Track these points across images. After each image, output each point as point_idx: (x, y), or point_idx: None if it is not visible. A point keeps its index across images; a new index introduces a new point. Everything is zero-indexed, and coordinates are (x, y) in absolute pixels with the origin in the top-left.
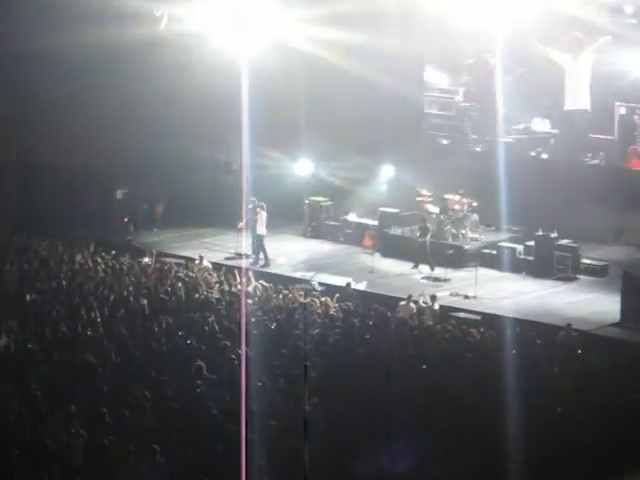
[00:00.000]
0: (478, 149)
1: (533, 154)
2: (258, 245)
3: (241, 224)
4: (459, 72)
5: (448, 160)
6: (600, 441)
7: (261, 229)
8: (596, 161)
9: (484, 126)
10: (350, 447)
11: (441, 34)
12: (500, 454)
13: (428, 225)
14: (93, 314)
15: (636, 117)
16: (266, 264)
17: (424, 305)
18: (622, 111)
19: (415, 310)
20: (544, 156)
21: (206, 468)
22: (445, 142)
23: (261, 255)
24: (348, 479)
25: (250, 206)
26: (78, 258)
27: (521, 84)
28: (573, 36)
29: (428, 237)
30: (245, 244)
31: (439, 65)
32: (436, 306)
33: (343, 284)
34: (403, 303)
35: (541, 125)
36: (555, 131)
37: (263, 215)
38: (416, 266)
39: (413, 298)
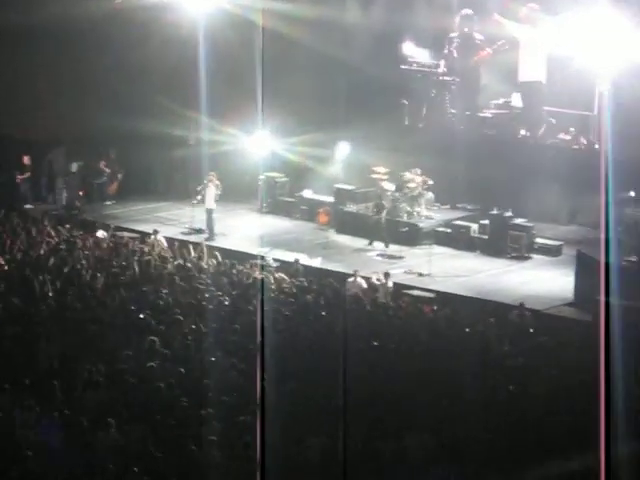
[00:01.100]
0: (451, 124)
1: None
2: (210, 219)
3: (196, 199)
4: (439, 46)
5: (407, 137)
6: (551, 419)
7: (210, 203)
8: (568, 137)
9: (462, 100)
10: (304, 423)
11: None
12: (452, 430)
13: (383, 202)
14: (46, 287)
15: None
16: (210, 238)
17: (377, 282)
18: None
19: (365, 285)
20: (522, 132)
21: (158, 442)
22: (424, 112)
23: (208, 228)
24: (302, 455)
25: (205, 181)
26: (32, 231)
27: (502, 57)
28: (530, 8)
29: (383, 214)
30: (198, 219)
31: (416, 39)
32: (390, 283)
33: (293, 259)
34: (351, 280)
35: (520, 100)
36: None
37: (212, 188)
38: (371, 243)
39: (359, 273)
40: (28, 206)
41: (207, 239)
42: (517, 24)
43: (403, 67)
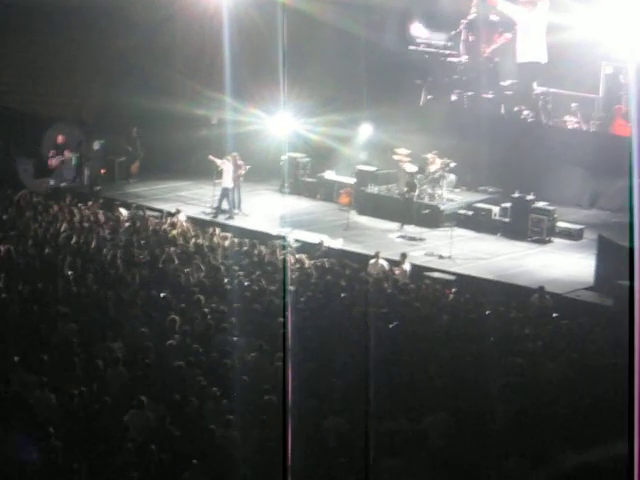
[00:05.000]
0: (462, 105)
1: (516, 110)
2: (222, 197)
3: (218, 178)
4: (451, 27)
5: (428, 118)
6: (570, 403)
7: (226, 181)
8: (574, 118)
9: (471, 82)
10: (325, 403)
11: None
12: (470, 412)
13: (415, 181)
14: (66, 266)
15: (621, 77)
16: (217, 214)
17: (399, 265)
18: (608, 70)
19: (387, 267)
20: (525, 112)
21: (177, 421)
22: (429, 97)
23: (225, 206)
24: (324, 434)
25: (230, 159)
26: (54, 209)
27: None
28: None
29: (416, 194)
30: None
31: (427, 20)
32: (407, 265)
33: (318, 241)
34: (372, 261)
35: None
36: (543, 88)
37: (228, 167)
38: (402, 226)
39: (381, 255)
40: (52, 183)
41: (224, 217)
42: (514, 5)
43: (411, 47)
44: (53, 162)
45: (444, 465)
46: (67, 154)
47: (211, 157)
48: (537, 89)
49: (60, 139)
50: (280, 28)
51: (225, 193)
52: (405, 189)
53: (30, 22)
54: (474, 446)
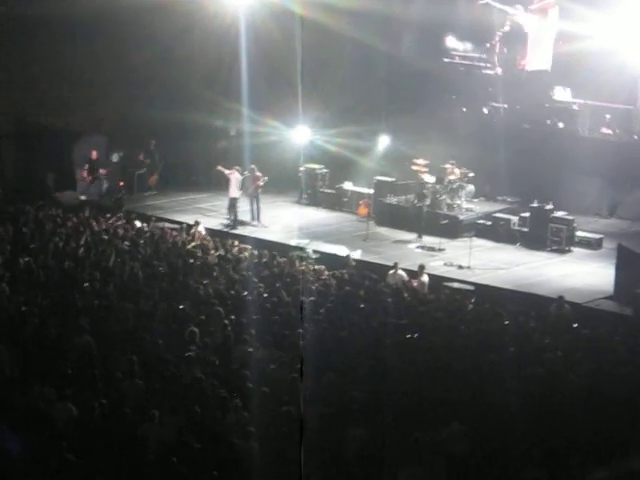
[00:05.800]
0: (488, 117)
1: (548, 122)
2: (233, 207)
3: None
4: (485, 40)
5: (448, 129)
6: (589, 412)
7: (232, 191)
8: (611, 130)
9: (506, 94)
10: (343, 414)
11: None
12: (489, 422)
13: (425, 192)
14: (86, 278)
15: None
16: (233, 226)
17: (418, 275)
18: None
19: (406, 278)
20: (560, 125)
21: (196, 433)
22: (464, 109)
23: (231, 216)
24: (341, 445)
25: (247, 173)
26: (73, 221)
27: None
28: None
29: (426, 202)
30: (239, 210)
31: (460, 32)
32: (425, 277)
33: (337, 252)
34: (391, 272)
35: (562, 94)
36: (579, 100)
37: (236, 177)
38: (420, 236)
39: (399, 266)
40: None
41: (230, 227)
42: (526, 13)
43: (446, 60)
44: (89, 177)
45: (463, 475)
46: (102, 170)
47: (220, 167)
48: (574, 102)
49: (95, 154)
50: (298, 39)
51: (232, 203)
52: (415, 199)
53: (48, 35)
54: (493, 456)
